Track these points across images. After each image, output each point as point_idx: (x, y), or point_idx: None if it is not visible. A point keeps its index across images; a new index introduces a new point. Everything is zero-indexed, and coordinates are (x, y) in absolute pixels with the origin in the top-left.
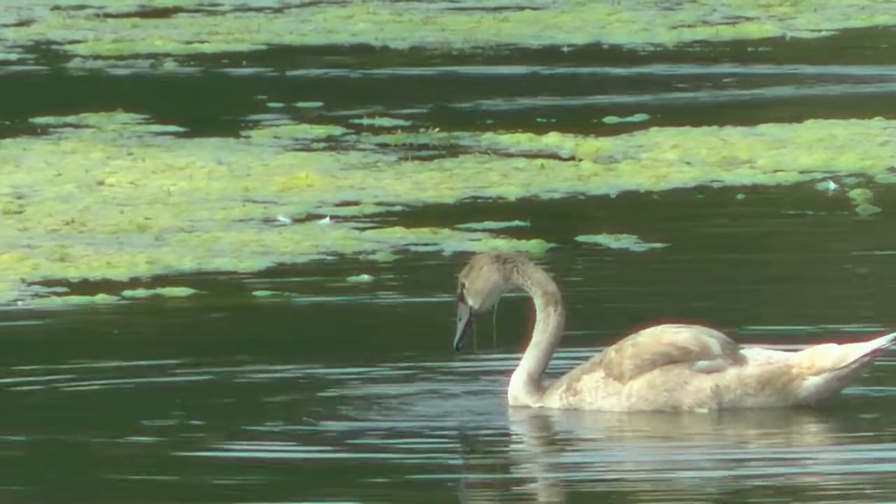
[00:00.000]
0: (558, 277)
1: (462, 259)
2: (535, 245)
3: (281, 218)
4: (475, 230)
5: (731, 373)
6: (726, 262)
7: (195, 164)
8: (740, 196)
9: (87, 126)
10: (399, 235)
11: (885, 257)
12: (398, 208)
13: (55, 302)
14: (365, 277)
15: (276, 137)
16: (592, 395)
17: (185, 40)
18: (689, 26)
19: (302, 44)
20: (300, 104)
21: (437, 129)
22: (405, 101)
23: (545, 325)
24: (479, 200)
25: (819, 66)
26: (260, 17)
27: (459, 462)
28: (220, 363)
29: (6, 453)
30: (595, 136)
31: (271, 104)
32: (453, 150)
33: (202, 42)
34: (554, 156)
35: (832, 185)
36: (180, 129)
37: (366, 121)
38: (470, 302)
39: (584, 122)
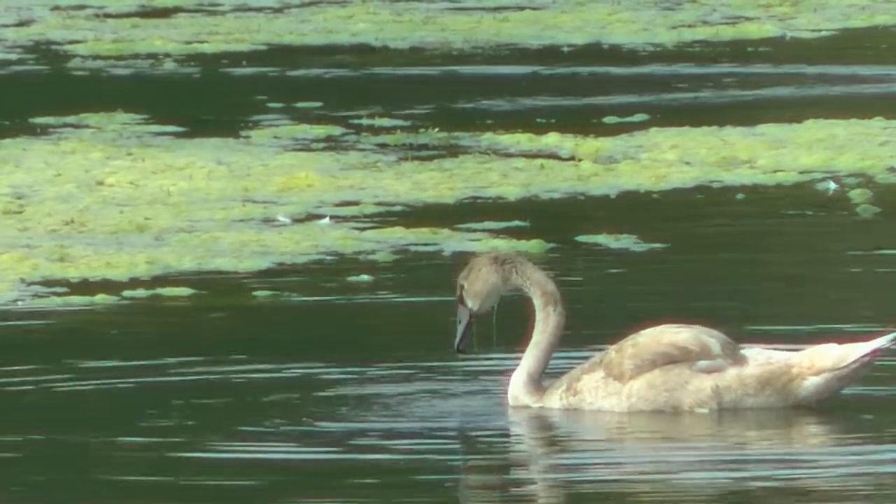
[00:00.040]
0: (558, 278)
1: (462, 259)
2: (535, 245)
3: (281, 218)
4: (475, 230)
5: (732, 373)
6: (726, 262)
7: (195, 164)
8: (740, 196)
9: (86, 126)
10: (399, 235)
11: (885, 257)
12: (398, 208)
13: (55, 302)
14: (365, 277)
15: (275, 137)
16: (592, 394)
17: (185, 40)
18: (689, 26)
19: (302, 44)
20: (300, 104)
21: (436, 129)
22: (405, 101)
23: (545, 325)
24: (478, 200)
25: (819, 66)
26: (260, 17)
27: (459, 462)
28: (220, 363)
29: (5, 453)
30: (595, 136)
31: (271, 104)
32: (453, 151)
33: (202, 42)
34: (554, 156)
35: (832, 185)
36: (180, 130)
37: (365, 121)
38: (469, 304)
39: (583, 122)
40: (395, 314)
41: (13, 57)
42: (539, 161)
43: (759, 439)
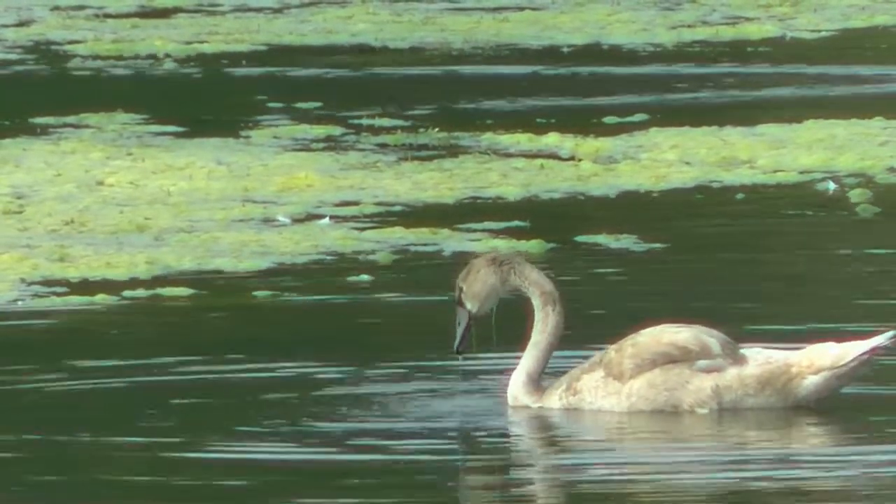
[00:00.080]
0: (558, 278)
1: (461, 259)
2: (534, 245)
3: (281, 218)
4: (475, 230)
5: (732, 372)
6: (726, 262)
7: (195, 164)
8: (740, 196)
9: (86, 126)
10: (399, 235)
11: (885, 257)
12: (398, 208)
13: (55, 302)
14: (365, 277)
15: (275, 137)
16: (592, 394)
17: (184, 40)
18: (689, 26)
19: (302, 44)
20: (300, 104)
21: (436, 129)
22: (405, 101)
23: (544, 325)
24: (478, 200)
25: (819, 66)
26: (260, 17)
27: (459, 462)
28: (220, 363)
29: (4, 453)
30: (595, 136)
31: (271, 104)
32: (453, 151)
33: (202, 42)
34: (554, 156)
35: (832, 185)
36: (180, 130)
37: (365, 121)
38: (468, 306)
39: (583, 123)
40: (395, 314)
41: (13, 57)
42: (539, 161)
43: (759, 439)
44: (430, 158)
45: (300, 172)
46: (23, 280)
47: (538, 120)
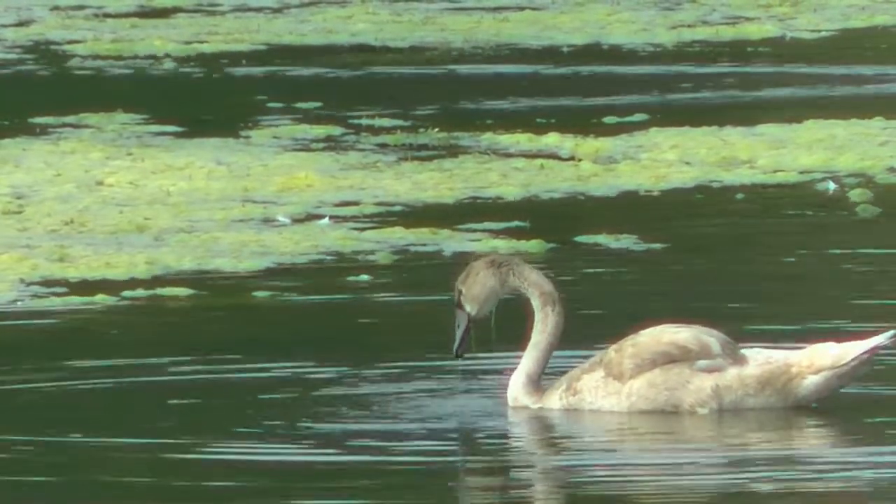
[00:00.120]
0: (558, 278)
1: (461, 259)
2: (534, 245)
3: (280, 218)
4: (475, 230)
5: (732, 372)
6: (726, 262)
7: (194, 164)
8: (740, 196)
9: (86, 126)
10: (399, 235)
11: (885, 257)
12: (398, 208)
13: (54, 302)
14: (365, 277)
15: (275, 137)
16: (592, 394)
17: (184, 40)
18: (689, 26)
19: (302, 44)
20: (300, 104)
21: (436, 130)
22: (405, 101)
23: (543, 326)
24: (478, 201)
25: (819, 66)
26: (259, 17)
27: (459, 463)
28: (219, 363)
29: (4, 453)
30: (595, 136)
31: (271, 104)
32: (453, 151)
33: (201, 42)
34: (553, 156)
35: (832, 185)
36: (180, 130)
37: (365, 121)
38: (468, 308)
39: (583, 123)
40: (395, 314)
41: (13, 57)
42: (539, 161)
43: (759, 439)
44: (430, 158)
45: (300, 172)
46: (22, 280)
47: (538, 120)
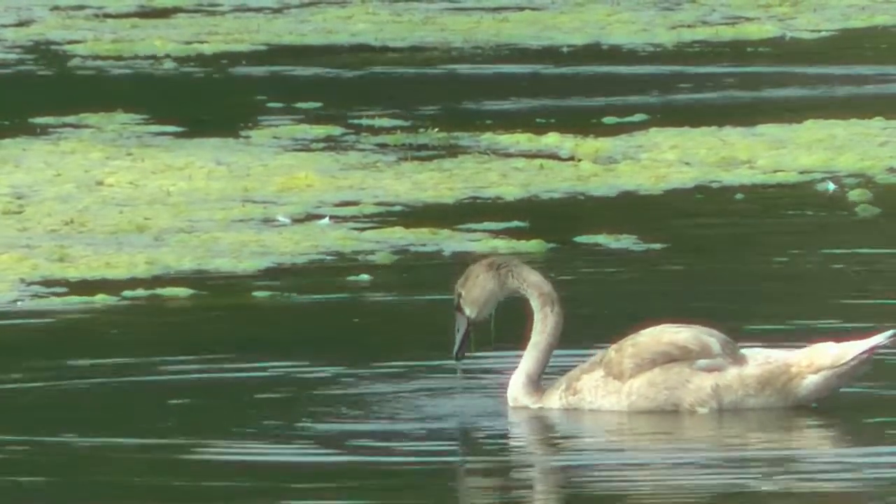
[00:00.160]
0: (558, 278)
1: (461, 259)
2: (534, 245)
3: (280, 218)
4: (474, 230)
5: (732, 372)
6: (726, 262)
7: (194, 164)
8: (740, 196)
9: (86, 126)
10: (399, 235)
11: (885, 257)
12: (398, 208)
13: (54, 302)
14: (365, 277)
15: (275, 137)
16: (592, 394)
17: (184, 40)
18: (689, 26)
19: (302, 44)
20: (300, 104)
21: (436, 130)
22: (405, 101)
23: (543, 326)
24: (478, 201)
25: (819, 66)
26: (259, 17)
27: (459, 463)
28: (220, 363)
29: (4, 453)
30: (594, 136)
31: (271, 104)
32: (453, 151)
33: (201, 42)
34: (553, 156)
35: (832, 186)
36: (180, 130)
37: (365, 121)
38: (467, 311)
39: (583, 123)
40: (395, 314)
41: (13, 57)
42: (539, 161)
43: (759, 439)
44: (430, 158)
45: (300, 172)
46: (22, 280)
47: (538, 120)
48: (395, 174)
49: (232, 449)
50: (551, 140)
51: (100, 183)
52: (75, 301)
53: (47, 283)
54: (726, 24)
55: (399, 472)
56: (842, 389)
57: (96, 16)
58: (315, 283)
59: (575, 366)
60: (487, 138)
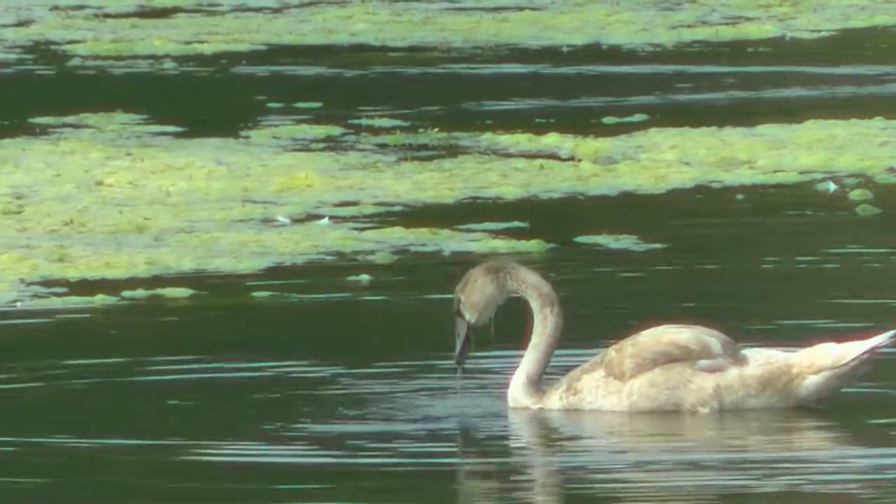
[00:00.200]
0: (558, 278)
1: (461, 259)
2: (534, 245)
3: (280, 218)
4: (474, 230)
5: (733, 373)
6: (726, 262)
7: (194, 164)
8: (740, 196)
9: (86, 126)
10: (399, 235)
11: (885, 257)
12: (398, 208)
13: (54, 302)
14: (365, 277)
15: (275, 137)
16: (593, 394)
17: (184, 40)
18: (689, 26)
19: (301, 44)
20: (300, 104)
21: (436, 130)
22: (405, 101)
23: (543, 327)
24: (478, 201)
25: (819, 66)
26: (259, 17)
27: (459, 464)
28: (220, 363)
29: (3, 454)
30: (594, 136)
31: (271, 104)
32: (453, 151)
33: (201, 42)
34: (553, 156)
35: (832, 186)
36: (179, 130)
37: (365, 121)
38: (467, 316)
39: (583, 123)
40: (395, 314)
41: (13, 57)
42: (539, 161)
43: (759, 440)
44: (430, 158)
45: (300, 172)
46: (22, 280)
47: (538, 120)
48: (395, 174)
49: (231, 449)
50: (551, 140)
51: (100, 183)
52: (75, 301)
53: (47, 283)
54: (726, 24)
55: (399, 473)
56: (843, 390)
57: (96, 16)
58: (315, 283)
59: (576, 366)
60: (487, 138)
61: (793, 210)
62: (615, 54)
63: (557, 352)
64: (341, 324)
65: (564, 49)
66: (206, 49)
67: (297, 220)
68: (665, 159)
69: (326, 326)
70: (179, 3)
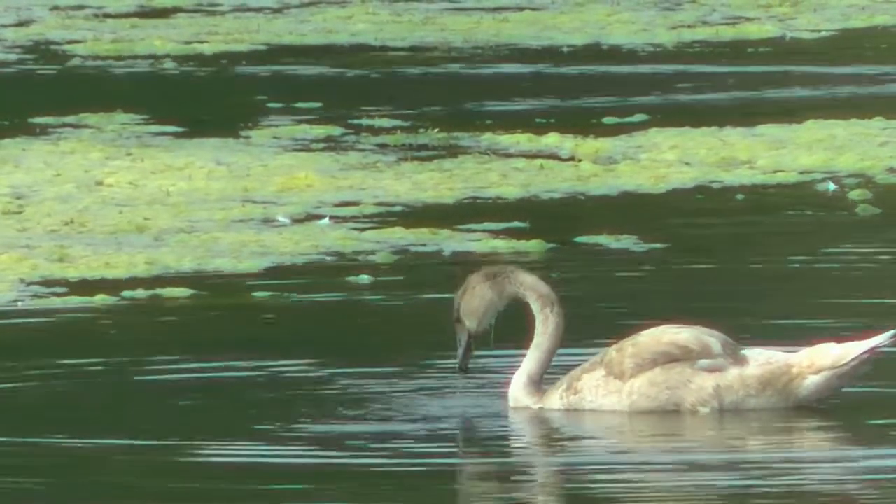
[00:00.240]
0: (558, 278)
1: (461, 259)
2: (534, 245)
3: (280, 218)
4: (475, 230)
5: (734, 373)
6: (726, 262)
7: (194, 164)
8: (740, 196)
9: (86, 126)
10: (399, 235)
11: (885, 257)
12: (398, 208)
13: (54, 302)
14: (365, 277)
15: (275, 138)
16: (593, 393)
17: (184, 40)
18: (689, 26)
19: (302, 44)
20: (300, 104)
21: (436, 130)
22: (405, 101)
23: (544, 328)
24: (478, 201)
25: (819, 66)
26: (259, 17)
27: (459, 464)
28: (220, 363)
29: (3, 454)
30: (594, 136)
31: (271, 104)
32: (453, 151)
33: (201, 42)
34: (553, 156)
35: (832, 186)
36: (179, 130)
37: (365, 121)
38: (467, 323)
39: (583, 123)
40: (395, 314)
41: (13, 57)
42: (539, 161)
43: (759, 440)
44: (430, 158)
45: (300, 172)
46: (22, 280)
47: (538, 120)
48: (395, 174)
49: (231, 449)
50: (551, 140)
51: (100, 183)
52: (75, 301)
53: (47, 283)
54: (726, 24)
55: (399, 473)
56: (843, 390)
57: (96, 16)
58: (315, 283)
59: (576, 366)
60: (487, 138)
61: (793, 210)
62: (615, 54)
63: (558, 351)
64: (341, 324)
65: (565, 49)
66: (206, 49)
67: (297, 220)
68: (665, 159)
69: (326, 326)
70: (179, 3)
